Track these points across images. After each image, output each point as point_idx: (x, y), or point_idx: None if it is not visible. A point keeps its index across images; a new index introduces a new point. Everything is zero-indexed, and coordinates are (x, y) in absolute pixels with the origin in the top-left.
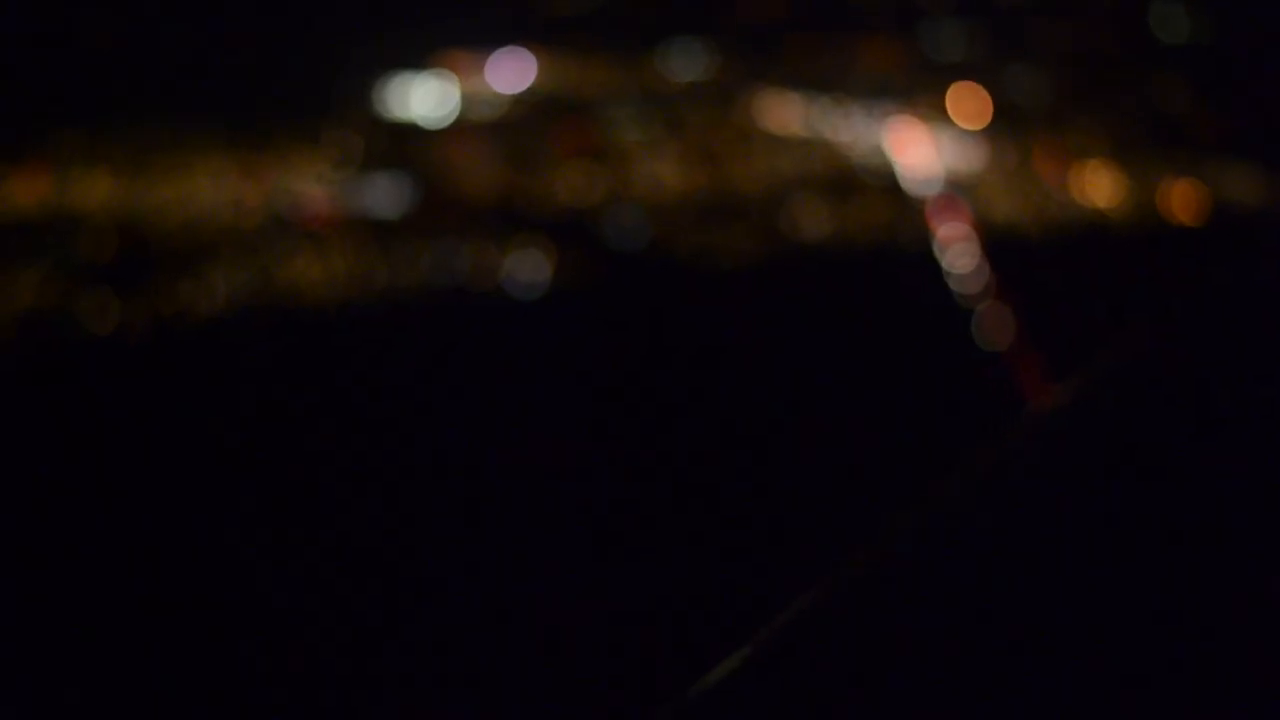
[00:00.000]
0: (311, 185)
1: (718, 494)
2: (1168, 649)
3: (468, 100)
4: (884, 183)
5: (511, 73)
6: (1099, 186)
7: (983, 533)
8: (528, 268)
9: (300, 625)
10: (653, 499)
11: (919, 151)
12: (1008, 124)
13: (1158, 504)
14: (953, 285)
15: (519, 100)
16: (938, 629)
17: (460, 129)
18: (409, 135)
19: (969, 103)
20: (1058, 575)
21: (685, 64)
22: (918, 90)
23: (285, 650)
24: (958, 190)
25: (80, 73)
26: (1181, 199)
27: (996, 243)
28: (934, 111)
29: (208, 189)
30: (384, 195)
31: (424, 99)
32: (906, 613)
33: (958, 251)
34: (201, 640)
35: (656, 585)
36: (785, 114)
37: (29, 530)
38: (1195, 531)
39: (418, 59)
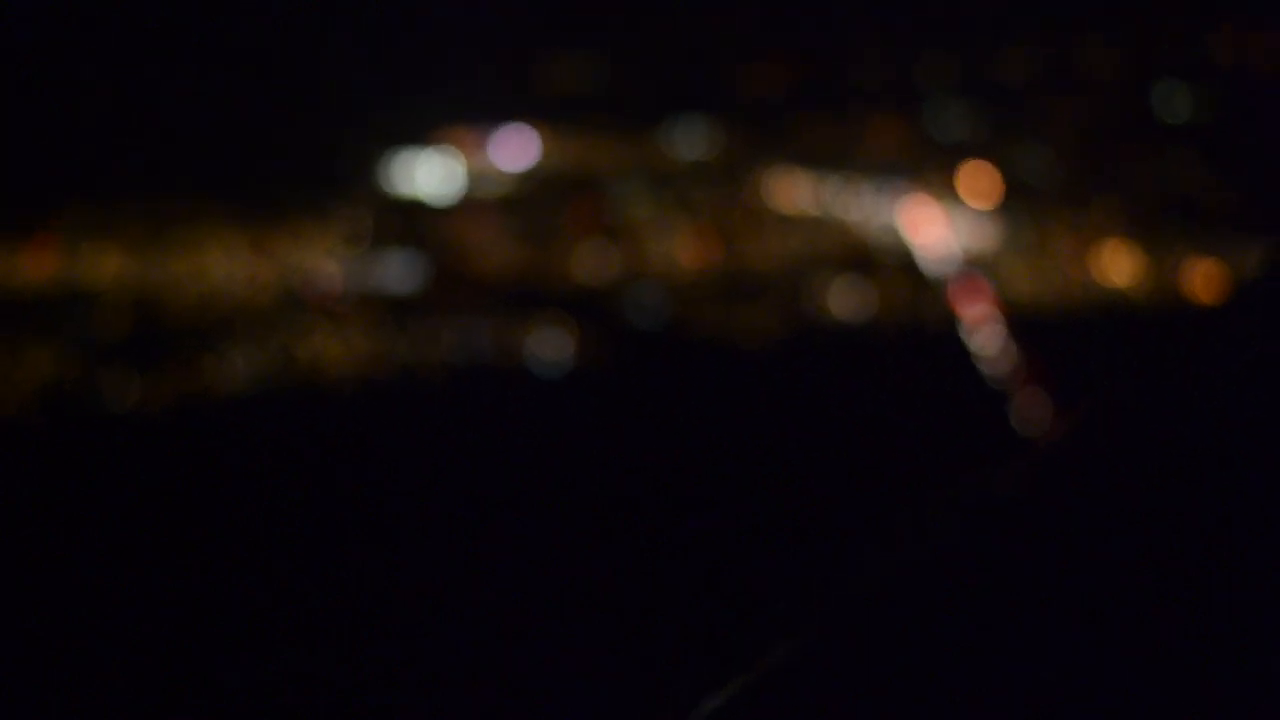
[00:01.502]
0: (323, 262)
1: (737, 581)
2: (1166, 656)
3: (473, 177)
4: (900, 262)
5: (516, 149)
6: (1118, 265)
7: (982, 549)
8: (550, 346)
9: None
10: (673, 582)
11: (933, 230)
12: (1019, 203)
13: (1158, 523)
14: (982, 368)
15: (525, 177)
16: (942, 642)
17: (468, 206)
18: (417, 212)
19: (978, 181)
20: (1058, 592)
21: (689, 141)
22: (926, 169)
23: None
24: (976, 270)
25: (88, 147)
26: (1202, 277)
27: (1020, 323)
28: (944, 190)
29: (219, 265)
30: (397, 272)
31: (430, 175)
32: (911, 627)
33: (983, 333)
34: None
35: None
36: (795, 192)
37: (48, 605)
38: (1195, 544)
39: (421, 135)
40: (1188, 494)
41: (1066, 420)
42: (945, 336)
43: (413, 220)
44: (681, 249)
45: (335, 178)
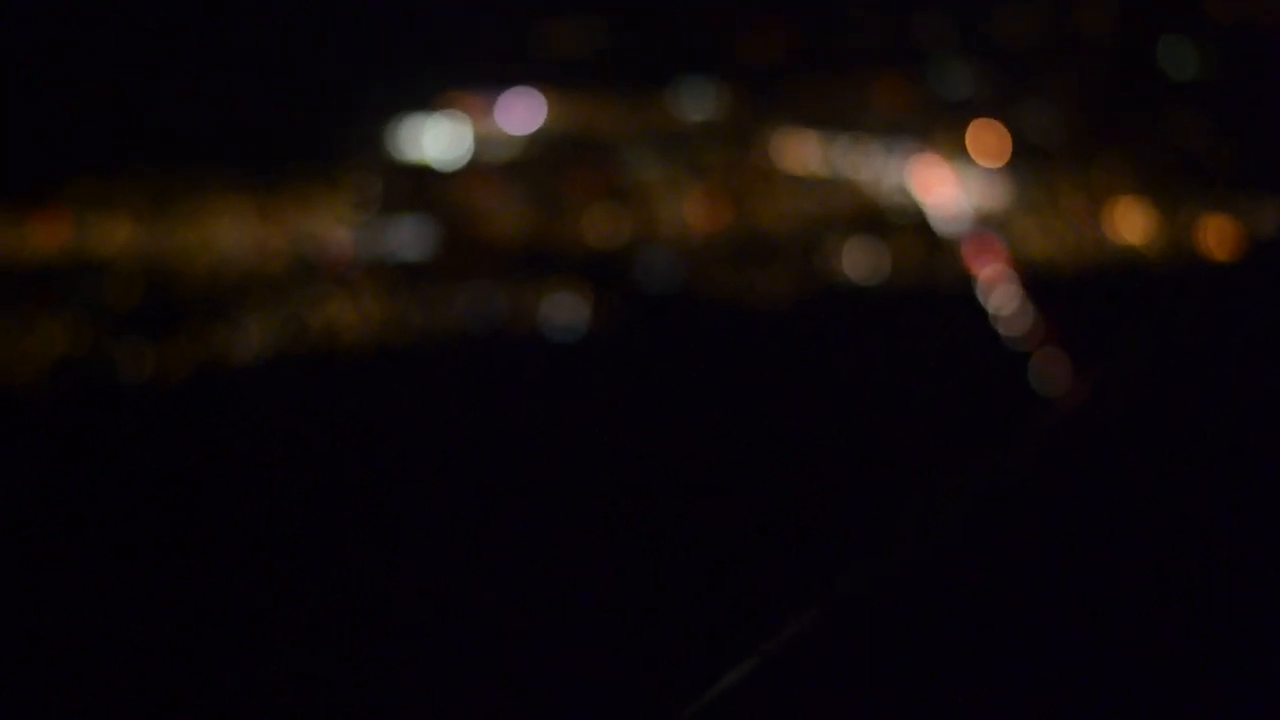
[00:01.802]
0: (333, 229)
1: (751, 547)
2: (1171, 652)
3: (480, 141)
4: (912, 222)
5: (521, 113)
6: (1130, 223)
7: (987, 537)
8: (564, 311)
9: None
10: (687, 544)
11: (944, 190)
12: (1028, 161)
13: (1164, 506)
14: (1000, 329)
15: (531, 141)
16: (945, 632)
17: (476, 170)
18: (425, 177)
19: (987, 140)
20: (1064, 581)
21: (695, 103)
22: (934, 128)
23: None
24: (989, 229)
25: (94, 118)
26: (1215, 234)
27: (1036, 282)
28: (953, 149)
29: (229, 233)
30: (407, 238)
31: (436, 140)
32: (914, 617)
33: (1000, 292)
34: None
35: (675, 617)
36: (803, 153)
37: (61, 579)
38: (1201, 534)
39: (427, 100)
40: (1204, 462)
41: (1081, 386)
42: (961, 296)
43: (421, 185)
44: (691, 211)
45: (342, 144)
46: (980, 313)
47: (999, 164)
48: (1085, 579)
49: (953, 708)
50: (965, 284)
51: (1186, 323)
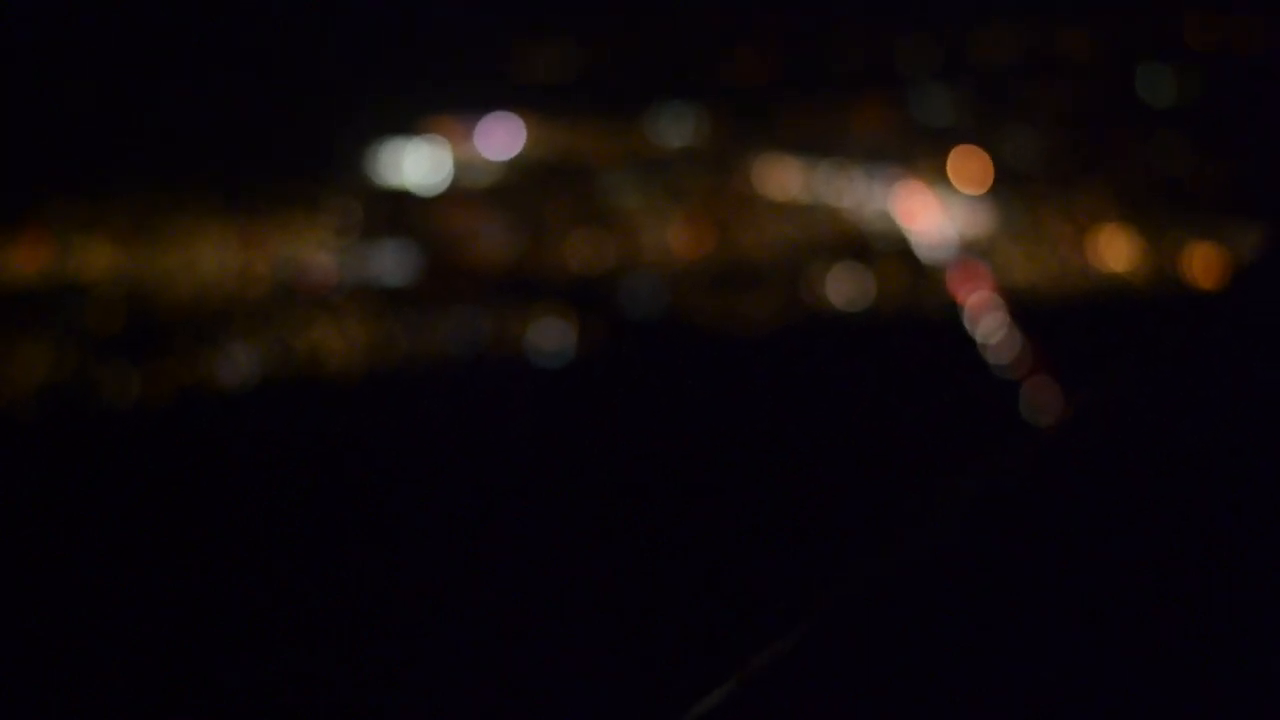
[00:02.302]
0: (315, 253)
1: (737, 579)
2: (1162, 658)
3: (460, 166)
4: (896, 248)
5: (501, 138)
6: (1114, 250)
7: (979, 544)
8: (549, 336)
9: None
10: (673, 579)
11: (927, 216)
12: (1010, 187)
13: (1154, 519)
14: (989, 357)
15: (512, 166)
16: (940, 637)
17: (456, 195)
18: (406, 202)
19: (969, 166)
20: (1060, 586)
21: (675, 128)
22: (915, 154)
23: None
24: (973, 256)
25: (76, 141)
26: (1200, 261)
27: (1022, 309)
28: (934, 175)
29: (210, 256)
30: (389, 263)
31: (417, 165)
32: (909, 622)
33: (987, 320)
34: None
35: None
36: (785, 179)
37: (49, 604)
38: (1190, 546)
39: (407, 125)
40: (1190, 482)
41: (1068, 409)
42: (947, 323)
43: (402, 210)
44: (674, 237)
45: (322, 169)
46: (968, 340)
47: (981, 190)
48: (1076, 586)
49: (950, 710)
50: (951, 311)
51: (1171, 348)
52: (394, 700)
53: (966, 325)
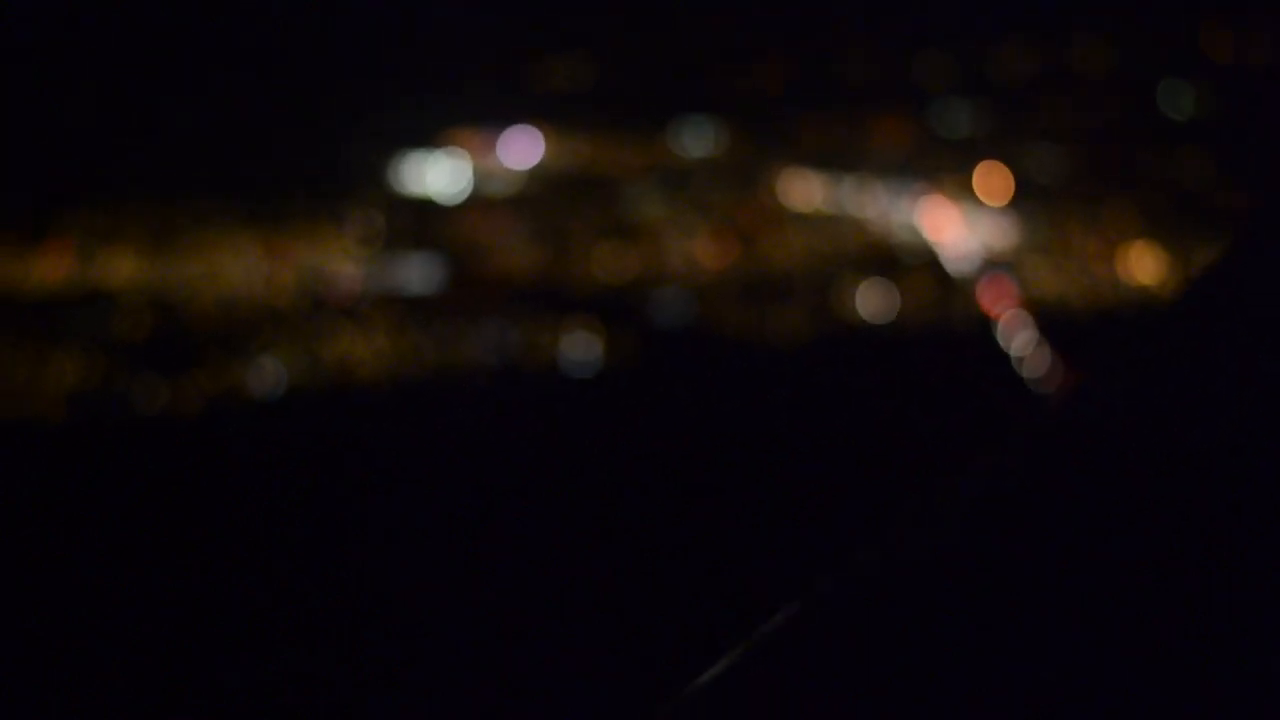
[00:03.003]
0: (340, 263)
1: (746, 583)
2: (1167, 650)
3: (482, 177)
4: (923, 261)
5: (522, 150)
6: (1141, 263)
7: (979, 537)
8: (579, 347)
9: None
10: (690, 577)
11: (951, 230)
12: (1034, 201)
13: (1157, 509)
14: (1021, 371)
15: (533, 177)
16: (937, 632)
17: (479, 206)
18: (430, 213)
19: (991, 180)
20: (1057, 584)
21: (695, 140)
22: (939, 168)
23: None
24: (1000, 269)
25: (100, 152)
26: None
27: (1051, 323)
28: (958, 189)
29: (234, 266)
30: (414, 273)
31: (438, 176)
32: (905, 615)
33: (1017, 333)
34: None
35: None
36: (808, 191)
37: (69, 609)
38: (1193, 538)
39: (428, 136)
40: (1189, 476)
41: (1063, 402)
42: (976, 337)
43: (425, 221)
44: (699, 248)
45: (345, 180)
46: (999, 354)
47: (1005, 204)
48: (1075, 583)
49: (946, 708)
50: (981, 324)
51: (1167, 339)
52: (395, 701)
53: (997, 339)
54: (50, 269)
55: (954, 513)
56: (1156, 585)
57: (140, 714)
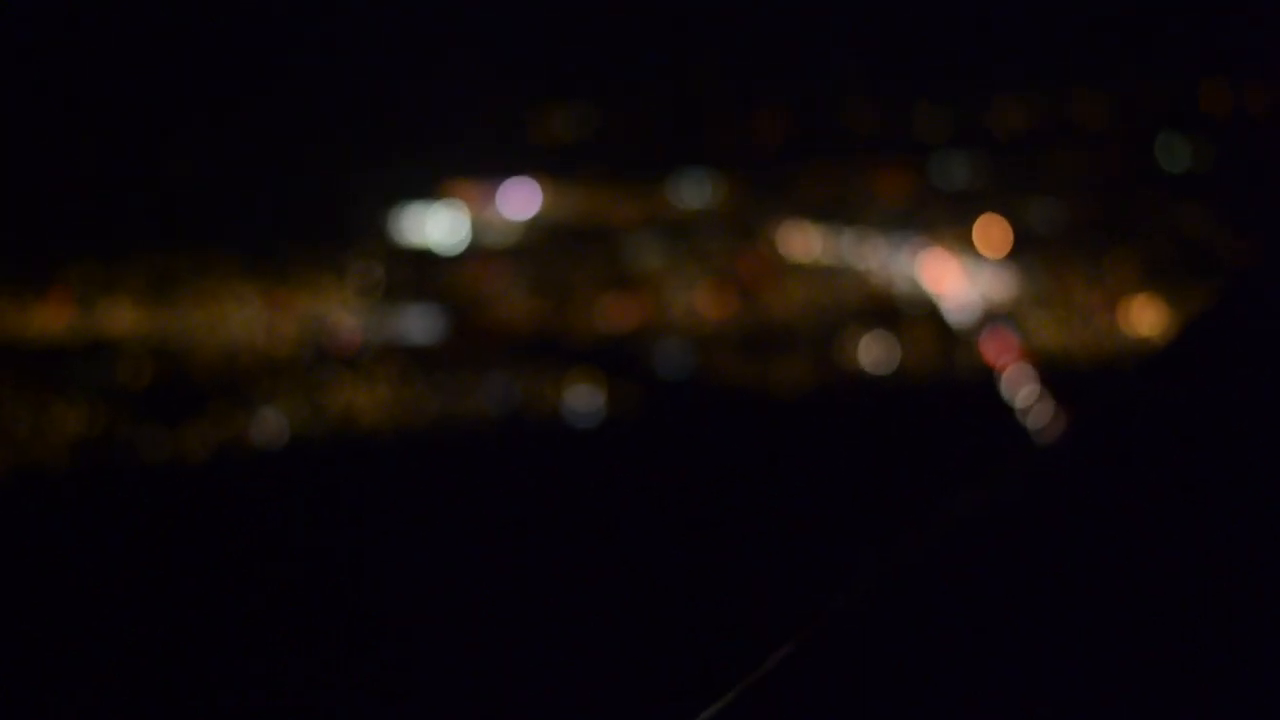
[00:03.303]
0: (341, 313)
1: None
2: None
3: (481, 228)
4: (923, 312)
5: (521, 201)
6: (1141, 314)
7: (979, 558)
8: (582, 397)
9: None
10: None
11: (951, 281)
12: (1034, 253)
13: (1158, 522)
14: (1024, 422)
15: (532, 228)
16: (943, 645)
17: (478, 256)
18: (428, 263)
19: (989, 231)
20: (1053, 601)
21: (695, 192)
22: (936, 220)
23: None
24: (1001, 320)
25: (99, 203)
26: None
27: (1054, 375)
28: (957, 241)
29: (235, 317)
30: (414, 323)
31: (438, 227)
32: (912, 629)
33: (1021, 386)
34: None
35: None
36: (808, 243)
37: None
38: (1190, 553)
39: (426, 189)
40: (1189, 489)
41: (1067, 423)
42: (979, 387)
43: (425, 272)
44: (700, 299)
45: (346, 231)
46: (1003, 405)
47: (1005, 256)
48: (1075, 597)
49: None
50: (983, 375)
51: (1168, 362)
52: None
53: (1001, 390)
54: (53, 319)
55: (948, 539)
56: (1147, 608)
57: None
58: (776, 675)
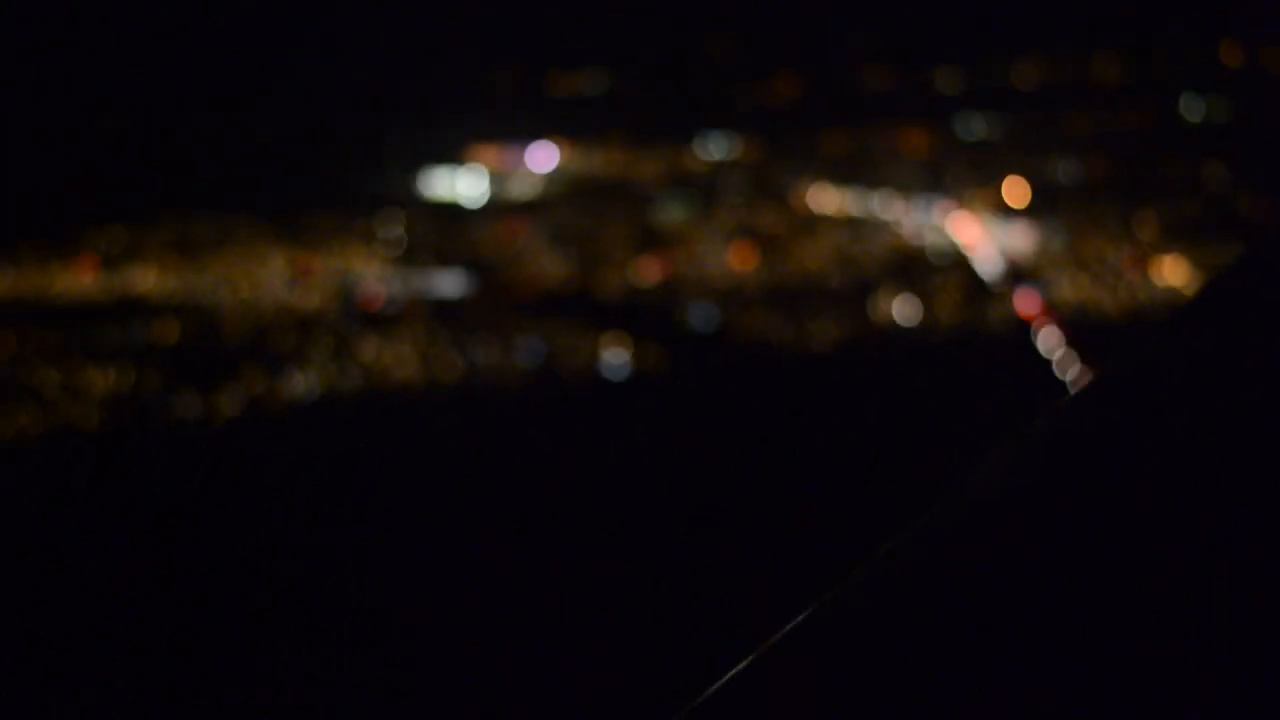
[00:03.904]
0: (369, 270)
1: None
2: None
3: (505, 189)
4: (952, 267)
5: (545, 161)
6: (1167, 268)
7: (991, 538)
8: (608, 352)
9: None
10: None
11: (979, 235)
12: (1059, 208)
13: (1166, 508)
14: (1058, 374)
15: (557, 186)
16: (945, 635)
17: (504, 215)
18: (455, 222)
19: (1015, 189)
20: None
21: (715, 148)
22: (962, 176)
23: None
24: (1027, 275)
25: (132, 167)
26: None
27: (1082, 327)
28: (983, 198)
29: (265, 277)
30: (442, 281)
31: (464, 188)
32: (914, 617)
33: (1053, 339)
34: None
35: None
36: (834, 198)
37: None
38: (1201, 537)
39: (454, 151)
40: (1205, 464)
41: (1084, 389)
42: (1008, 340)
43: (451, 231)
44: (728, 255)
45: (371, 192)
46: (1032, 358)
47: (1030, 212)
48: (1088, 580)
49: (951, 710)
50: (1015, 330)
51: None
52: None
53: (1035, 344)
54: (84, 281)
55: (968, 508)
56: (1165, 582)
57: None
58: (785, 647)
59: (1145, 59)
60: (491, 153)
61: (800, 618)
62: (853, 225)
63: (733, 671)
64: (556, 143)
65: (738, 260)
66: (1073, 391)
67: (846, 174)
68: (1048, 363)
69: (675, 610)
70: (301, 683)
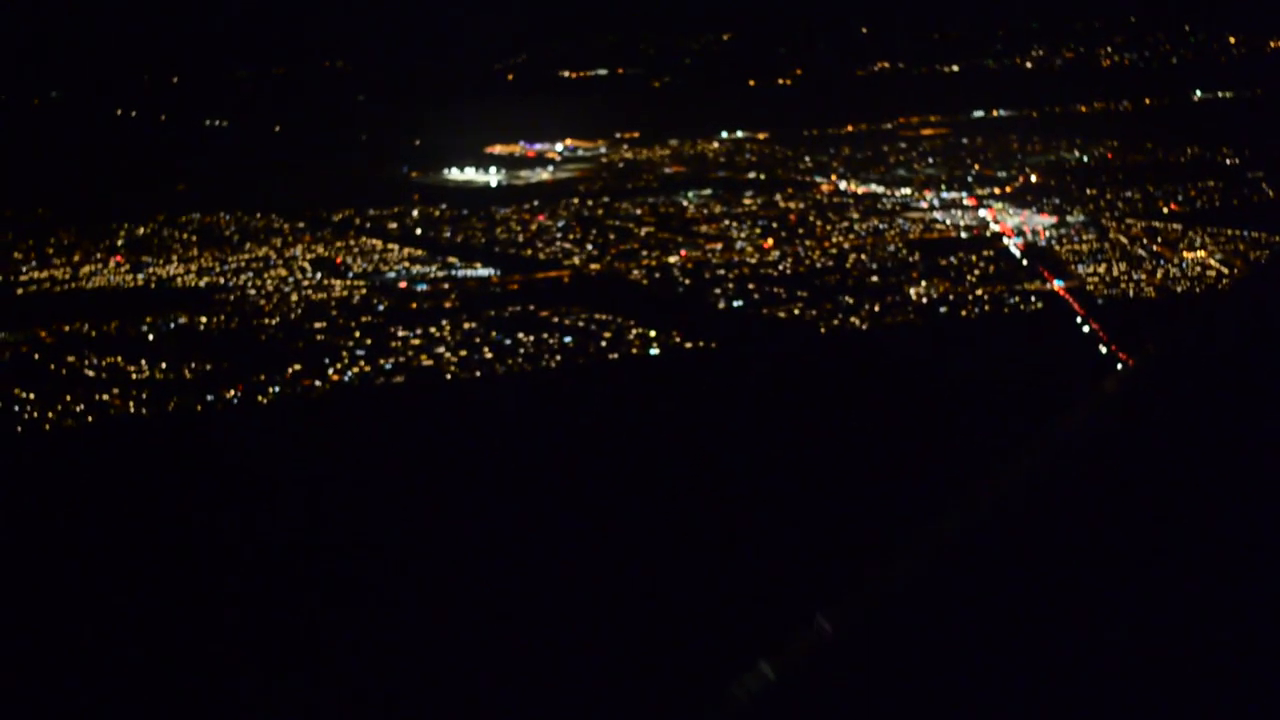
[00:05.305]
0: (391, 261)
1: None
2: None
3: (525, 178)
4: (980, 250)
5: (564, 152)
6: (1196, 250)
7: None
8: (644, 330)
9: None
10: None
11: (1006, 220)
12: (1082, 192)
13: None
14: (1100, 350)
15: (581, 175)
16: (959, 636)
17: (524, 205)
18: (479, 210)
19: (1042, 170)
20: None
21: (737, 129)
22: (988, 160)
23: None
24: (1056, 256)
25: (165, 159)
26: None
27: (1107, 309)
28: (1009, 185)
29: (294, 268)
30: (471, 268)
31: (483, 177)
32: (929, 621)
33: (1083, 318)
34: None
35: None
36: (858, 186)
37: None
38: (1216, 535)
39: (472, 144)
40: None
41: (1105, 392)
42: (1045, 322)
43: (476, 217)
44: (755, 242)
45: (395, 182)
46: (1073, 338)
47: (1055, 197)
48: (1104, 581)
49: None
50: (1046, 309)
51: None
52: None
53: (1067, 322)
54: (117, 271)
55: (1014, 488)
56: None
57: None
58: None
59: (1162, 45)
60: (513, 144)
61: (849, 606)
62: (881, 210)
63: (765, 668)
64: (586, 131)
65: (770, 244)
66: (1105, 388)
67: (874, 158)
68: (1075, 345)
69: (679, 610)
70: (304, 682)
